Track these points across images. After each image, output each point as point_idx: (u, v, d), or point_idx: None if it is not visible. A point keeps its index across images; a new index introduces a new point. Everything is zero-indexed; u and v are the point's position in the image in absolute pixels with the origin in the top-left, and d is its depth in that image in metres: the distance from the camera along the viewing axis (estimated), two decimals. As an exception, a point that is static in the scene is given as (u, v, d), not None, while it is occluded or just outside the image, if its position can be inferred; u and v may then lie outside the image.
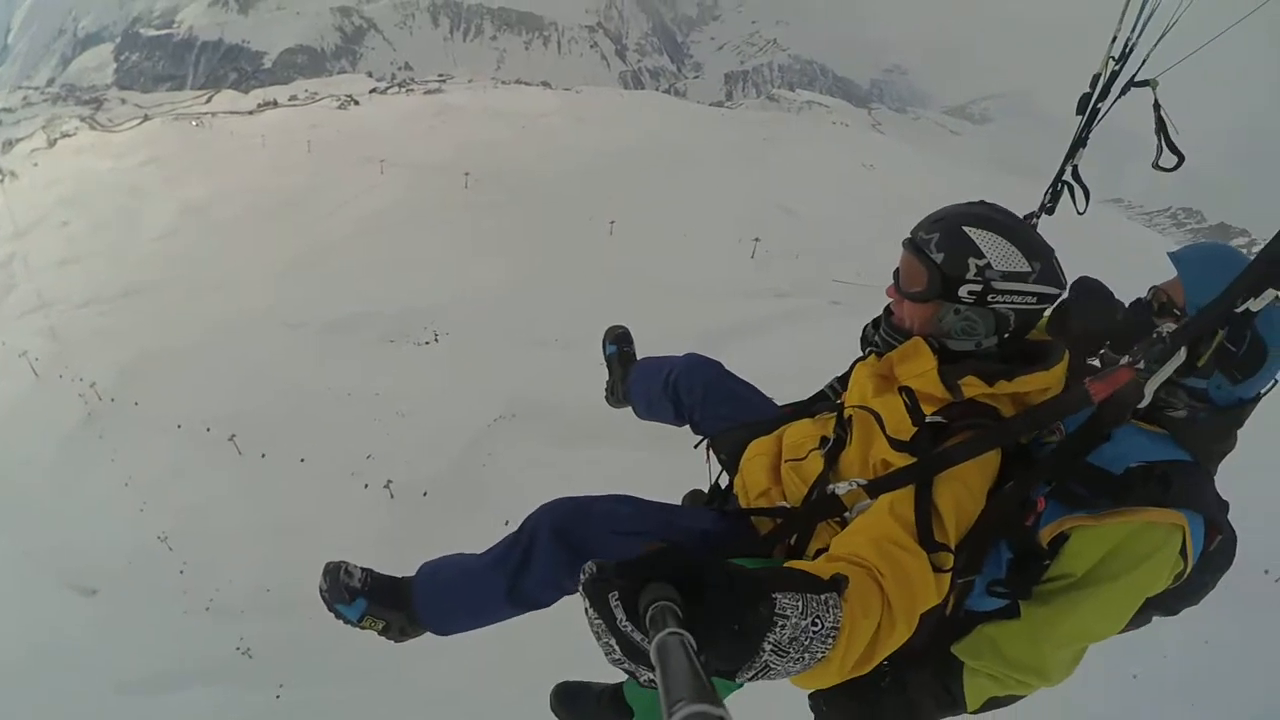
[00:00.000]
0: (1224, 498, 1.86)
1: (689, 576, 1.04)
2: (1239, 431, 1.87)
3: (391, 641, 2.34)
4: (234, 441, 8.39)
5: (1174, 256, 1.93)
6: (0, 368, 17.30)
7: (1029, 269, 1.88)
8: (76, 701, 6.12)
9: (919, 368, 1.94)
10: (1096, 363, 2.10)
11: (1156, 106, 2.18)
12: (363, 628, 2.29)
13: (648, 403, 3.19)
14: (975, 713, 1.95)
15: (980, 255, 1.87)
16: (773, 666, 1.15)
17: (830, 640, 1.22)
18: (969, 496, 1.74)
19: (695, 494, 2.74)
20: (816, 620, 1.19)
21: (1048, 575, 1.82)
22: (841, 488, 1.92)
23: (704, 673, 0.80)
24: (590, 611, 1.06)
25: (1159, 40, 2.16)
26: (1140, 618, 1.93)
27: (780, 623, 1.14)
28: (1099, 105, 2.34)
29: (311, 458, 7.89)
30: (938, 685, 1.92)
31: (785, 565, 1.47)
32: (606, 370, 3.71)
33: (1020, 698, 1.92)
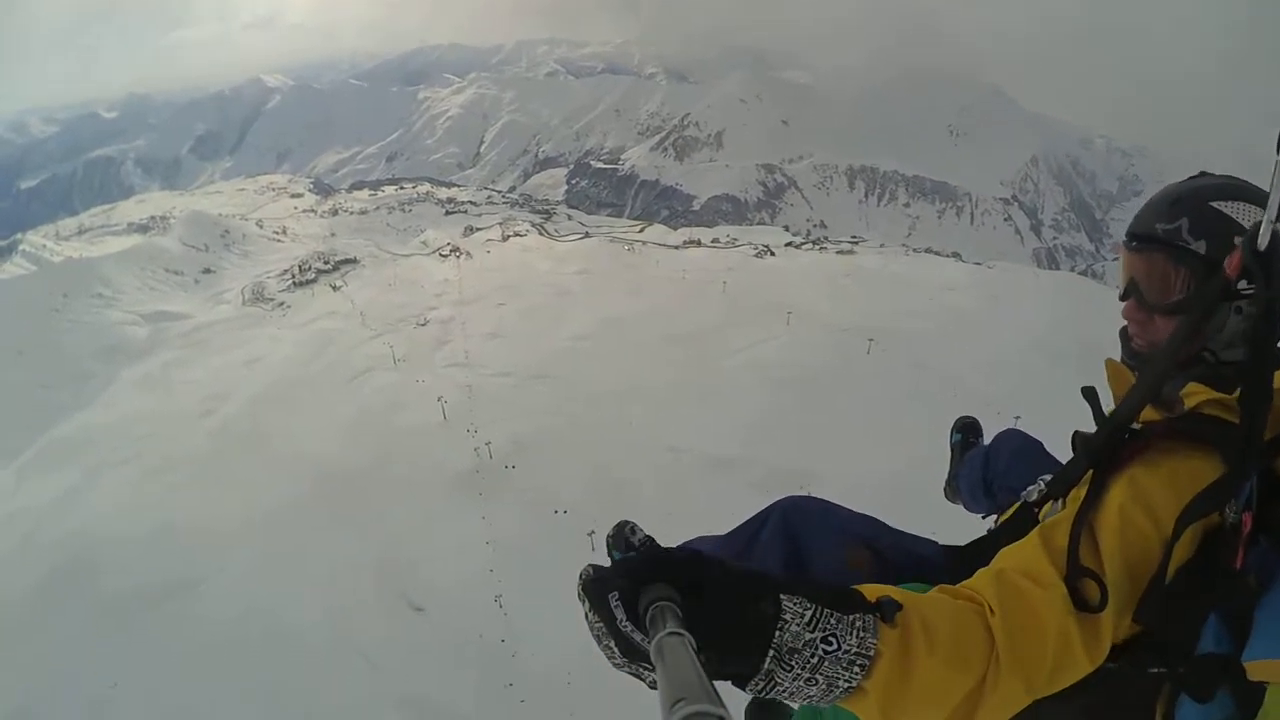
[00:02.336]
0: None
1: (690, 576, 0.99)
2: None
3: None
4: (590, 537, 8.84)
5: None
6: (418, 401, 20.61)
7: None
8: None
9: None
10: None
11: None
12: None
13: (970, 493, 2.83)
14: None
15: (1245, 233, 1.37)
16: (779, 681, 1.03)
17: (856, 669, 1.05)
18: (1146, 517, 1.29)
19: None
20: (831, 639, 1.04)
21: None
22: (1033, 494, 1.73)
23: (705, 672, 0.77)
24: (590, 615, 1.01)
25: None
26: None
27: (781, 625, 1.03)
28: None
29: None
30: None
31: (841, 585, 1.20)
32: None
33: None
